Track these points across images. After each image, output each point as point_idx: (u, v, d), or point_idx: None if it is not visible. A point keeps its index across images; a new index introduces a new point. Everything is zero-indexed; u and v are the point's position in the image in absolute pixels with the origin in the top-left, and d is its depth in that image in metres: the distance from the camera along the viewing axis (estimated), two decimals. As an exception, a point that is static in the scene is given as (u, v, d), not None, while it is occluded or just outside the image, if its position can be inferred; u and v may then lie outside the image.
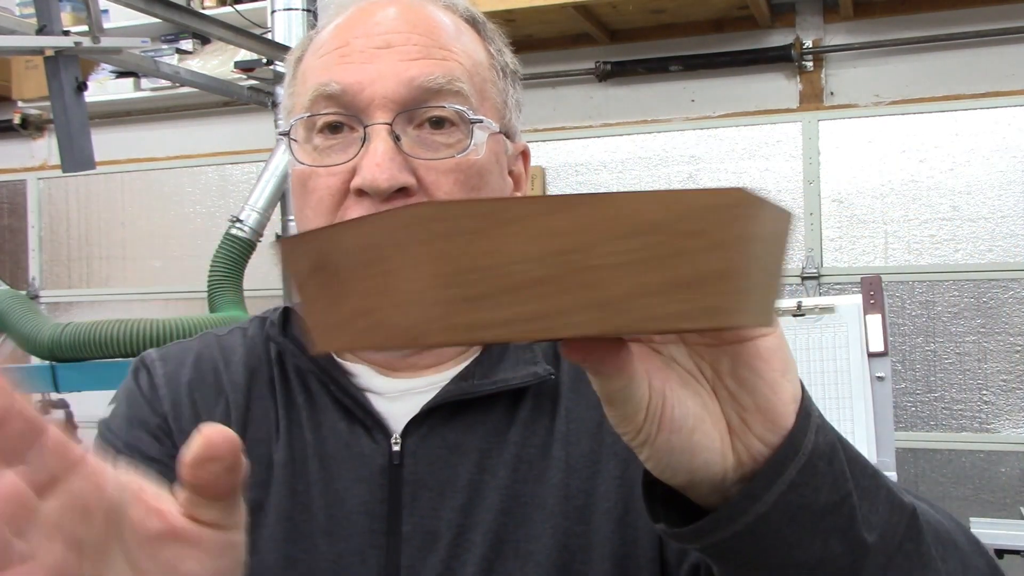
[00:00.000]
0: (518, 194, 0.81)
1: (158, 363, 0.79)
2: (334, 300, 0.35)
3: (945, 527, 0.54)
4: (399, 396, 0.75)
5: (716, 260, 0.33)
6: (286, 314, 0.80)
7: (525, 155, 0.83)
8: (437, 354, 0.76)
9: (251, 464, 0.73)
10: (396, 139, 0.70)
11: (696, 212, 0.33)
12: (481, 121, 0.73)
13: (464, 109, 0.72)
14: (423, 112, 0.71)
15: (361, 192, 0.69)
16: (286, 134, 0.75)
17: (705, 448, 0.43)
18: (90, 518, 0.39)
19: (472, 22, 0.78)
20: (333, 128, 0.72)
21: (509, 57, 0.80)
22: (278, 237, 2.49)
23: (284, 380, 0.77)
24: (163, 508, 0.42)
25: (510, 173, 0.79)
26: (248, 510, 0.71)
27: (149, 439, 0.75)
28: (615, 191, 0.36)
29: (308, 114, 0.73)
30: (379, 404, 0.74)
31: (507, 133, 0.77)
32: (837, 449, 0.46)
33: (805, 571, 0.46)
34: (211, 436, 0.40)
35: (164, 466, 0.72)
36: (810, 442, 0.44)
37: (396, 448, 0.72)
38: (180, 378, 0.78)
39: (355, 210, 0.70)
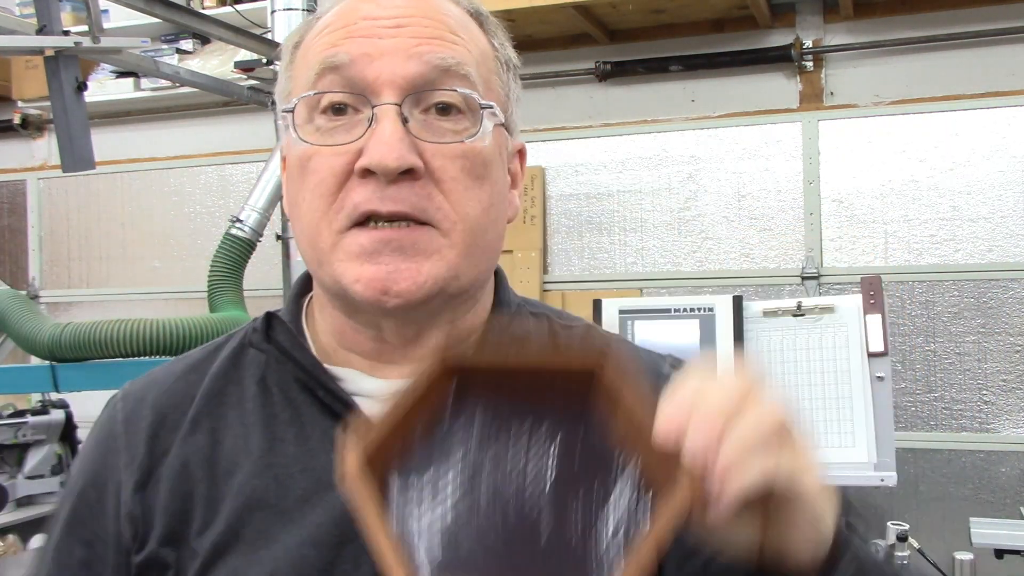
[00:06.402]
0: (514, 192, 0.80)
1: (120, 403, 0.80)
2: None
3: None
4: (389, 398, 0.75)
5: None
6: (269, 320, 0.79)
7: (522, 154, 0.82)
8: (424, 355, 0.76)
9: (238, 474, 0.73)
10: (404, 121, 0.69)
11: None
12: (491, 107, 0.72)
13: (473, 94, 0.71)
14: (431, 96, 0.70)
15: (366, 172, 0.68)
16: (290, 111, 0.73)
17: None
18: None
19: (476, 15, 0.78)
20: (337, 110, 0.71)
21: (511, 52, 0.80)
22: (278, 237, 2.48)
23: (265, 393, 0.76)
24: None
25: (508, 170, 0.79)
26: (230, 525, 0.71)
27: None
28: None
29: (313, 92, 0.71)
30: (368, 407, 0.72)
31: (508, 128, 0.77)
32: None
33: None
34: None
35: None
36: None
37: None
38: (141, 421, 0.77)
39: (359, 192, 0.69)
